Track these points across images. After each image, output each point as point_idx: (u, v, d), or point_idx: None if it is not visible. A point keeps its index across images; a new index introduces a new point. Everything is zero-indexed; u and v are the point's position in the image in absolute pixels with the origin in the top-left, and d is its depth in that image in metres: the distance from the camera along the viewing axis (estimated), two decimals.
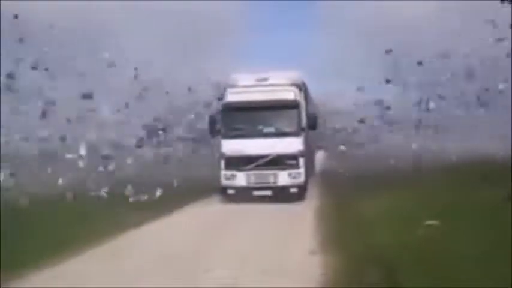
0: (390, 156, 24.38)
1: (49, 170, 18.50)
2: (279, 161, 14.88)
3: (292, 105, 15.18)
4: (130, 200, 15.10)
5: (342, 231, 9.56)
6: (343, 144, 28.99)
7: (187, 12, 28.24)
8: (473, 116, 25.27)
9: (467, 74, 25.22)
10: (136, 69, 23.71)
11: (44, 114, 20.51)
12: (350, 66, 29.17)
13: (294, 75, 16.06)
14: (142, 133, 23.90)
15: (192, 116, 25.72)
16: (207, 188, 16.82)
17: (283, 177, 14.89)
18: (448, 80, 25.99)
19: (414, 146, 24.83)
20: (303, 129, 15.34)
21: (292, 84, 15.52)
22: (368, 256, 7.42)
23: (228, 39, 34.28)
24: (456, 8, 25.09)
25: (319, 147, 26.46)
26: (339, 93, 30.16)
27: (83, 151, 19.71)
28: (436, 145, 24.68)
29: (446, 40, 25.07)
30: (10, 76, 19.23)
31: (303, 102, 15.75)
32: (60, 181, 17.09)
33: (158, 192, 15.93)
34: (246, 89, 15.57)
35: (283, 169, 14.88)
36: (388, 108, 27.93)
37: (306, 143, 15.69)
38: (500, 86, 24.18)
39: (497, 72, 24.16)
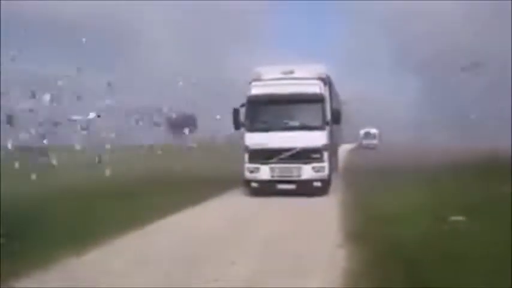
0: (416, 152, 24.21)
1: None
2: (303, 155, 14.83)
3: (317, 99, 15.09)
4: None
5: (366, 226, 9.52)
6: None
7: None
8: None
9: None
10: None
11: None
12: None
13: (319, 68, 15.97)
14: None
15: None
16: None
17: (307, 171, 14.85)
18: None
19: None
20: (327, 123, 15.25)
21: (317, 78, 15.44)
22: (393, 251, 7.39)
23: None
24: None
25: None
26: None
27: None
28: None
29: None
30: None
31: (327, 96, 15.65)
32: None
33: None
34: (270, 82, 15.52)
35: (307, 163, 14.83)
36: None
37: (330, 137, 15.62)
38: None
39: None
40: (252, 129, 15.39)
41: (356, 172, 22.04)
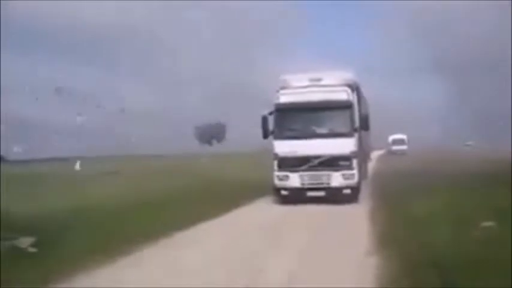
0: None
1: None
2: (332, 162, 14.86)
3: (345, 105, 15.08)
4: None
5: (396, 233, 9.51)
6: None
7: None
8: None
9: None
10: None
11: None
12: None
13: (346, 75, 15.97)
14: None
15: None
16: None
17: (336, 178, 14.85)
18: None
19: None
20: (355, 130, 15.24)
21: (345, 85, 15.45)
22: (424, 258, 7.38)
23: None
24: None
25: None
26: None
27: None
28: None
29: None
30: None
31: (355, 103, 15.65)
32: None
33: None
34: (298, 89, 15.57)
35: (337, 170, 14.84)
36: None
37: (359, 143, 15.59)
38: None
39: None
40: (281, 137, 15.45)
41: (385, 178, 21.89)
